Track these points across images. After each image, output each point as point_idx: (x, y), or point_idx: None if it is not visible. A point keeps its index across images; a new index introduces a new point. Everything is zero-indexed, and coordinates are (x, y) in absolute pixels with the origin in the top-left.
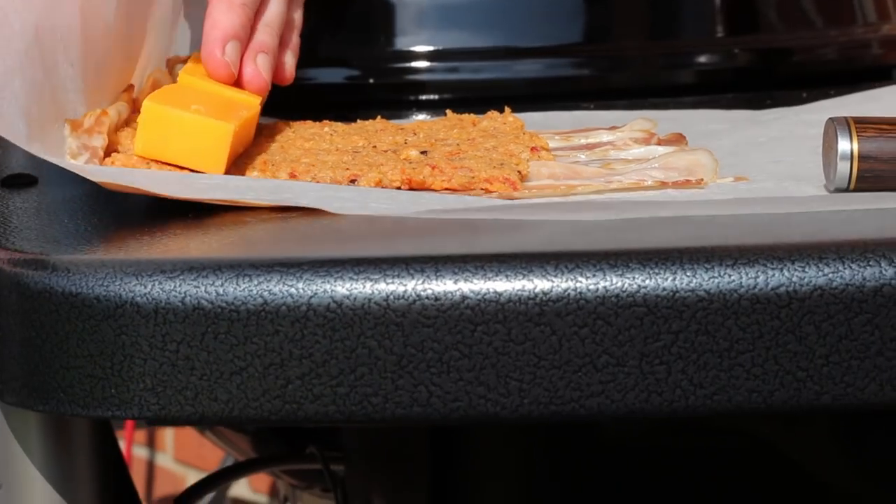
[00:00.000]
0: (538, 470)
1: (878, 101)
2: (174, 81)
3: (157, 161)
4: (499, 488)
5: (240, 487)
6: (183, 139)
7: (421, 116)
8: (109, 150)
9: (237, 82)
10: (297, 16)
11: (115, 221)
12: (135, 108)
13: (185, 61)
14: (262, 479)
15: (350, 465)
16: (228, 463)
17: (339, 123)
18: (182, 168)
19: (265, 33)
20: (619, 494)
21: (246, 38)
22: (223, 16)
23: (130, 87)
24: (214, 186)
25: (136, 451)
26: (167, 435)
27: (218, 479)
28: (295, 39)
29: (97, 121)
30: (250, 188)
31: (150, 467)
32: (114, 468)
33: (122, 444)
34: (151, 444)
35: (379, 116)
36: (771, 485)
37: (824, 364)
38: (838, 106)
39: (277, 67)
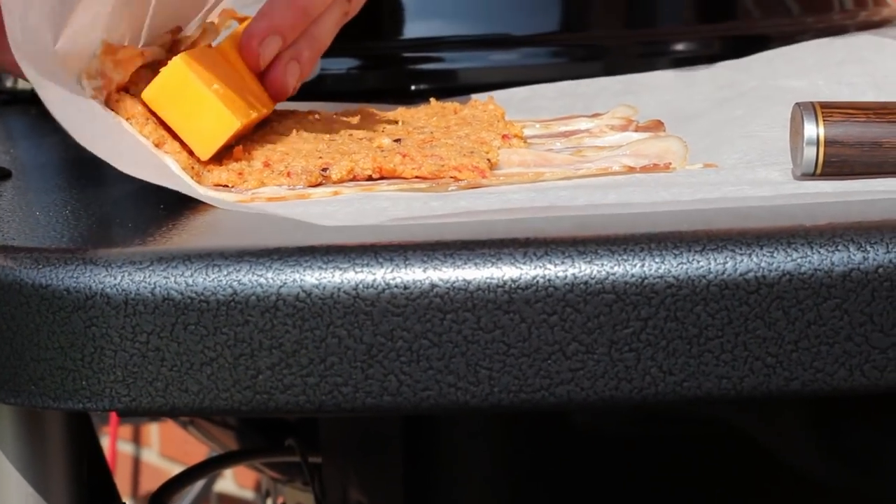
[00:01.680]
0: (511, 460)
1: (866, 61)
2: (214, 36)
3: (154, 115)
4: (473, 478)
5: (225, 482)
6: (190, 109)
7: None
8: (121, 86)
9: (261, 76)
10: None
11: (86, 214)
12: (171, 50)
13: (238, 20)
14: (247, 475)
15: (327, 457)
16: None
17: (325, 111)
18: (171, 134)
19: (308, 45)
20: (593, 483)
21: (290, 39)
22: (279, 11)
23: (177, 29)
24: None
25: (122, 446)
26: (152, 430)
27: (197, 473)
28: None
29: (130, 59)
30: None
31: (136, 463)
32: (90, 460)
33: (107, 440)
34: (137, 439)
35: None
36: (744, 473)
37: (794, 350)
38: (821, 66)
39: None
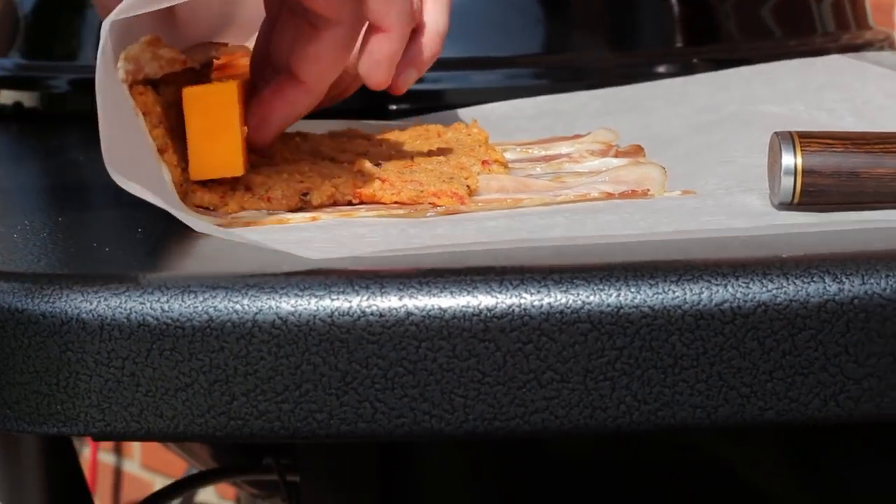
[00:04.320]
0: (486, 484)
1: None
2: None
3: (166, 120)
4: (449, 501)
5: (206, 494)
6: (214, 131)
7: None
8: (148, 80)
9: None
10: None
11: (64, 238)
12: (215, 65)
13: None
14: (228, 487)
15: (304, 476)
16: (195, 470)
17: (310, 133)
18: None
19: (426, 48)
20: None
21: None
22: (388, 45)
23: (223, 44)
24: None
25: (103, 457)
26: (134, 442)
27: (175, 491)
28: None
29: (170, 60)
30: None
31: (118, 473)
32: (69, 483)
33: (88, 451)
34: (118, 450)
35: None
36: (716, 497)
37: (768, 380)
38: (800, 91)
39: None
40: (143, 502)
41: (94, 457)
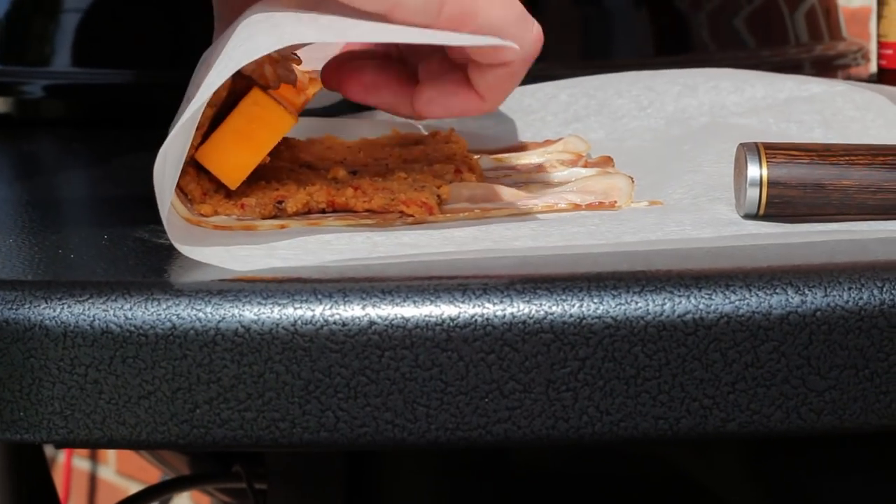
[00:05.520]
0: (453, 492)
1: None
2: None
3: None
4: None
5: (181, 501)
6: (240, 141)
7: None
8: None
9: None
10: None
11: (28, 245)
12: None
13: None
14: (202, 495)
15: (272, 484)
16: (169, 477)
17: (290, 138)
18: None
19: None
20: None
21: None
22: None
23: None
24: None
25: (78, 463)
26: None
27: (145, 498)
28: None
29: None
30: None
31: (93, 480)
32: (37, 489)
33: (62, 457)
34: (93, 456)
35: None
36: None
37: (730, 391)
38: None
39: None
40: None
41: (69, 463)
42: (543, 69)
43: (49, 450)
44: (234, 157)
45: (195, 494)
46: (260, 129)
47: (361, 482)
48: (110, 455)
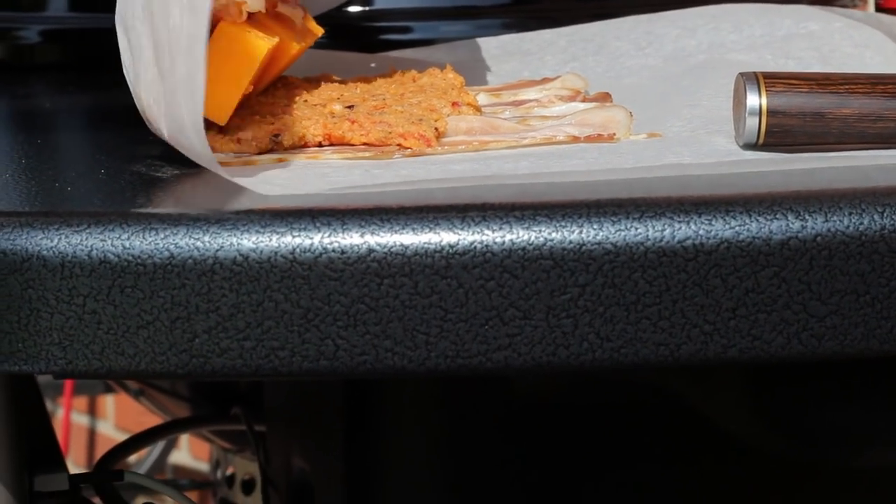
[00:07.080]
0: (453, 427)
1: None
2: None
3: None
4: (414, 447)
5: (181, 454)
6: (218, 77)
7: None
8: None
9: None
10: None
11: (26, 177)
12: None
13: None
14: (202, 447)
15: (271, 425)
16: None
17: (287, 76)
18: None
19: None
20: (533, 448)
21: None
22: None
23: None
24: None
25: (77, 418)
26: (107, 402)
27: (143, 440)
28: None
29: None
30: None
31: (91, 434)
32: (35, 425)
33: (61, 412)
34: (92, 411)
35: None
36: (676, 436)
37: (731, 317)
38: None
39: None
40: (115, 449)
41: (68, 418)
42: (540, 10)
43: (47, 406)
44: (216, 95)
45: (195, 449)
46: (234, 61)
47: (361, 423)
48: (109, 409)
